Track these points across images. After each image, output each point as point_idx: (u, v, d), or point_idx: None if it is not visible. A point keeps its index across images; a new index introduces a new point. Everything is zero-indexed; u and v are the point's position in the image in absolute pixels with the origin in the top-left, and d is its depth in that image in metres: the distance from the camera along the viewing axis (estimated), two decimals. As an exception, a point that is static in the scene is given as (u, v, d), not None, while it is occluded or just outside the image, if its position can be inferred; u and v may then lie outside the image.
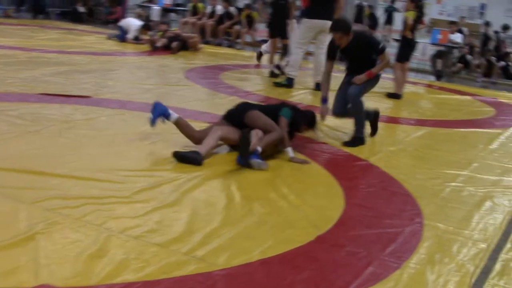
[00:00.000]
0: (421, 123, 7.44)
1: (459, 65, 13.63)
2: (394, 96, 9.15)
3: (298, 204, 3.99)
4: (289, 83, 9.12)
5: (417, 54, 12.55)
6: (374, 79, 5.97)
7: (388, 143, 6.11)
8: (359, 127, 5.86)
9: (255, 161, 4.67)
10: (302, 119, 5.44)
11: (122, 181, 4.05)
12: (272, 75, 10.24)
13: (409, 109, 8.59)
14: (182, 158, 4.62)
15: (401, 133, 6.74)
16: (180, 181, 4.18)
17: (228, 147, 5.16)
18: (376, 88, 6.36)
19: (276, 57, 11.03)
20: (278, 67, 10.22)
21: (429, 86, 11.69)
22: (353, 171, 4.97)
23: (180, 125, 5.14)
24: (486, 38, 15.06)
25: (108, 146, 4.88)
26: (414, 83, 11.49)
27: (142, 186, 3.99)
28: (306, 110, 5.77)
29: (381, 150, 5.76)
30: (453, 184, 4.86)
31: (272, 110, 5.32)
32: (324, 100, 5.90)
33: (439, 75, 12.81)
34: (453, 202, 4.39)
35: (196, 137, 5.07)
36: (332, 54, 6.00)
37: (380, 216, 3.94)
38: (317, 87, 9.16)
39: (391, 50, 14.54)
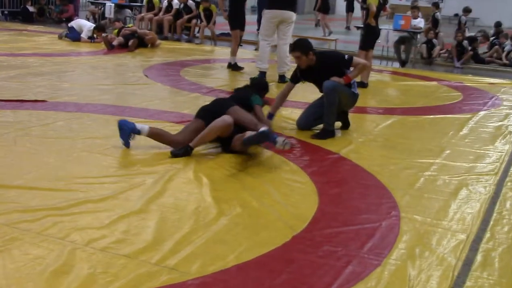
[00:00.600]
0: (389, 111, 7.45)
1: (438, 48, 13.69)
2: (360, 85, 9.14)
3: (270, 203, 3.92)
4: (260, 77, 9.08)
5: (380, 41, 12.61)
6: (351, 95, 5.96)
7: (358, 134, 6.08)
8: (328, 119, 5.82)
9: (280, 138, 4.69)
10: (263, 93, 5.79)
11: (84, 189, 3.92)
12: (235, 67, 10.17)
13: (376, 98, 8.60)
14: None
15: (370, 123, 6.73)
16: (146, 186, 4.07)
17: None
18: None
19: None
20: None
21: (395, 73, 11.75)
22: (324, 165, 4.92)
23: (155, 135, 5.00)
24: (434, 20, 15.14)
25: (67, 153, 4.73)
26: (379, 71, 11.53)
27: (106, 193, 3.87)
28: (259, 81, 6.05)
29: (351, 142, 5.73)
30: (427, 173, 4.86)
31: (243, 100, 5.33)
32: (270, 116, 5.84)
33: (403, 62, 12.88)
34: (428, 192, 4.38)
35: (177, 141, 4.94)
36: (293, 77, 6.05)
37: (356, 211, 3.90)
38: (281, 79, 9.12)
39: (354, 37, 14.61)
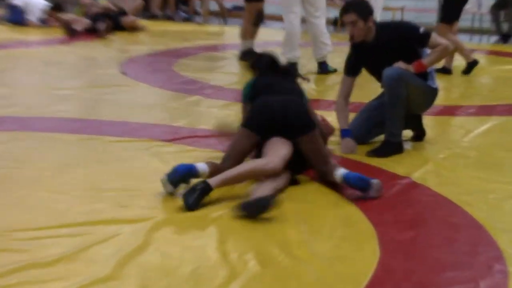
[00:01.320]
0: (486, 111, 7.35)
1: None
2: (441, 71, 9.04)
3: (306, 257, 3.84)
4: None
5: (469, 6, 12.49)
6: (426, 90, 5.85)
7: (438, 148, 5.99)
8: (393, 126, 5.70)
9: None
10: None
11: (27, 247, 3.85)
12: (244, 56, 10.10)
13: (465, 91, 8.54)
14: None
15: (457, 130, 6.63)
16: (121, 239, 4.00)
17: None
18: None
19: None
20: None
21: (493, 52, 11.62)
22: (388, 196, 4.81)
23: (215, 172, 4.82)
24: None
25: (3, 195, 4.68)
26: (469, 51, 11.39)
27: (60, 253, 3.79)
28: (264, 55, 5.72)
29: (428, 159, 5.64)
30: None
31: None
32: (346, 133, 5.74)
33: (505, 35, 12.73)
34: (549, 234, 4.26)
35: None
36: (350, 66, 5.93)
37: (438, 266, 3.78)
38: (322, 68, 9.18)
39: (430, 4, 14.51)
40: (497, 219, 4.43)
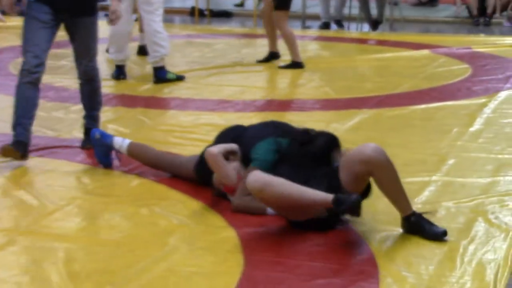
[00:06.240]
0: (355, 104, 7.50)
1: None
2: (294, 65, 9.15)
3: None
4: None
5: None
6: None
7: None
8: None
9: None
10: None
11: None
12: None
13: (333, 84, 8.67)
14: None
15: (325, 125, 6.60)
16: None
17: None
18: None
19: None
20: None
21: (361, 41, 11.87)
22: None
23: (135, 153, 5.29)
24: None
25: None
26: (334, 39, 11.61)
27: None
28: None
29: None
30: (421, 199, 4.87)
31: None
32: None
33: (374, 22, 12.96)
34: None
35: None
36: None
37: (307, 273, 3.82)
38: (158, 76, 8.83)
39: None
40: (369, 219, 4.47)
